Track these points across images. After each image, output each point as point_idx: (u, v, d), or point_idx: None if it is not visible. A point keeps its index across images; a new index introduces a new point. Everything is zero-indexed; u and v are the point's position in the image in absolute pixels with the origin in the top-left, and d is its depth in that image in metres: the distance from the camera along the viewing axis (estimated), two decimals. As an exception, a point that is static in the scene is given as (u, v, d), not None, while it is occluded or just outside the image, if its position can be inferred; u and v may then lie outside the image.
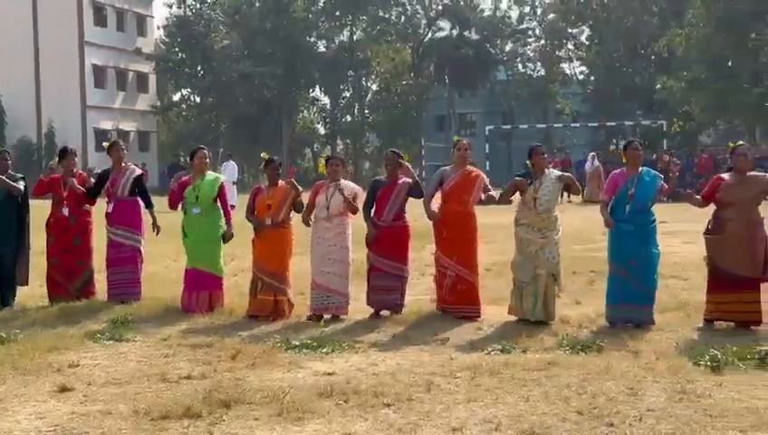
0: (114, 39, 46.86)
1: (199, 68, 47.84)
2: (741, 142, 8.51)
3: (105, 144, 9.78)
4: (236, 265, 10.52)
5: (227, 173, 21.79)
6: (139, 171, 9.32)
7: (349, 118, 53.98)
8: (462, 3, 48.33)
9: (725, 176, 7.67)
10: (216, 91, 46.22)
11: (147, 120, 49.01)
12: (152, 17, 50.95)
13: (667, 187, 7.88)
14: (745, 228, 7.45)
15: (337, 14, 48.92)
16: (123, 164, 9.21)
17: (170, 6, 48.80)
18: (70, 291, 9.00)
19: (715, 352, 6.35)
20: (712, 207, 7.82)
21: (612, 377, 5.91)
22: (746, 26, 33.95)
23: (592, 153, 26.75)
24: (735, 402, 5.31)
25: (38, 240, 9.51)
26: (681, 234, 10.65)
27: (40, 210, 9.48)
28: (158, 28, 50.94)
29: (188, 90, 50.81)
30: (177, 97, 52.02)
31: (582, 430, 4.80)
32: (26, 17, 43.61)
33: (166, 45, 49.15)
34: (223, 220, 8.80)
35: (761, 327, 7.49)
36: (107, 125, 45.10)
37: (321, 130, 55.60)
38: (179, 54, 48.06)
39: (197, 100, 50.09)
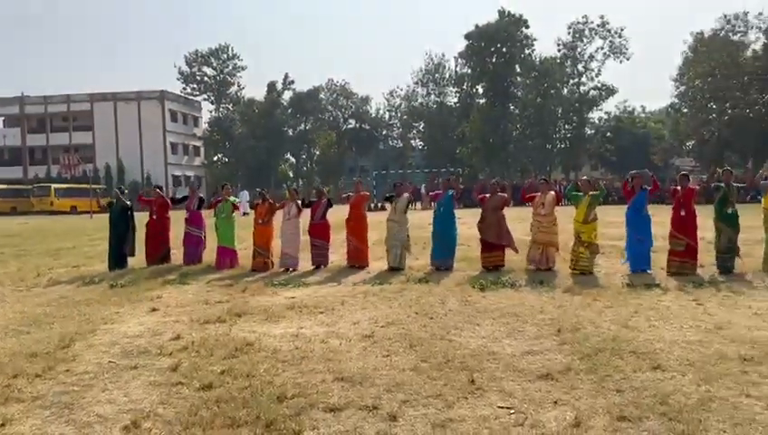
0: (181, 128, 68.88)
1: (226, 144, 68.06)
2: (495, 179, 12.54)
3: (191, 184, 14.46)
4: (245, 244, 12.74)
5: (242, 197, 32.09)
6: (201, 195, 13.07)
7: (304, 169, 73.59)
8: (360, 110, 70.73)
9: (487, 196, 11.14)
10: (234, 155, 66.83)
11: (199, 170, 70.26)
12: (201, 117, 73.83)
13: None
14: (496, 219, 10.90)
15: (297, 115, 69.64)
16: (194, 193, 12.94)
17: (210, 111, 72.43)
18: (157, 259, 12.21)
19: (482, 281, 9.29)
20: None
21: (432, 295, 8.50)
22: (498, 123, 53.64)
23: (424, 184, 42.78)
24: (492, 305, 7.76)
25: (139, 233, 12.50)
26: (467, 223, 13.31)
27: (141, 217, 12.63)
28: (205, 123, 72.71)
29: (221, 154, 71.04)
30: (215, 158, 71.24)
31: (417, 319, 7.09)
32: (135, 118, 64.00)
33: (209, 132, 69.63)
34: (235, 220, 12.23)
35: (504, 268, 10.56)
36: (178, 173, 66.64)
37: (290, 175, 75.07)
38: (216, 136, 68.47)
39: (225, 160, 69.94)
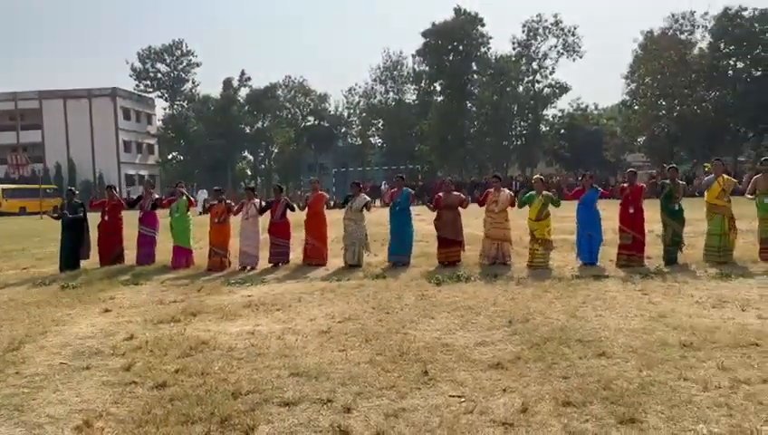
0: (134, 126, 67.69)
1: (181, 142, 66.72)
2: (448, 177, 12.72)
3: (145, 183, 14.07)
4: (202, 244, 12.77)
5: (200, 196, 31.86)
6: (156, 196, 12.82)
7: (263, 167, 72.87)
8: (319, 107, 69.70)
9: (441, 195, 11.30)
10: (190, 153, 66.10)
11: (154, 169, 68.75)
12: (155, 114, 72.25)
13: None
14: (451, 216, 11.05)
15: (255, 112, 68.06)
16: (149, 193, 12.73)
17: (165, 109, 71.55)
18: (110, 260, 12.02)
19: (438, 276, 9.44)
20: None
21: (389, 290, 8.63)
22: (456, 120, 54.20)
23: (384, 181, 42.33)
24: (447, 299, 7.89)
25: (92, 234, 12.31)
26: (426, 220, 13.50)
27: (93, 218, 12.40)
28: (159, 120, 71.55)
29: (176, 153, 70.55)
30: (170, 156, 71.07)
31: (374, 314, 7.15)
32: (86, 116, 62.66)
33: (163, 129, 68.62)
34: (191, 220, 12.12)
35: (460, 263, 10.76)
36: (132, 172, 65.81)
37: (249, 173, 74.62)
38: (170, 134, 67.30)
39: (181, 158, 69.33)
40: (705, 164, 12.99)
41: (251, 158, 74.69)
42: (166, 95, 71.22)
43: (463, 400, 4.42)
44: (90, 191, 49.02)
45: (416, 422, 4.06)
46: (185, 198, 12.30)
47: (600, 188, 11.08)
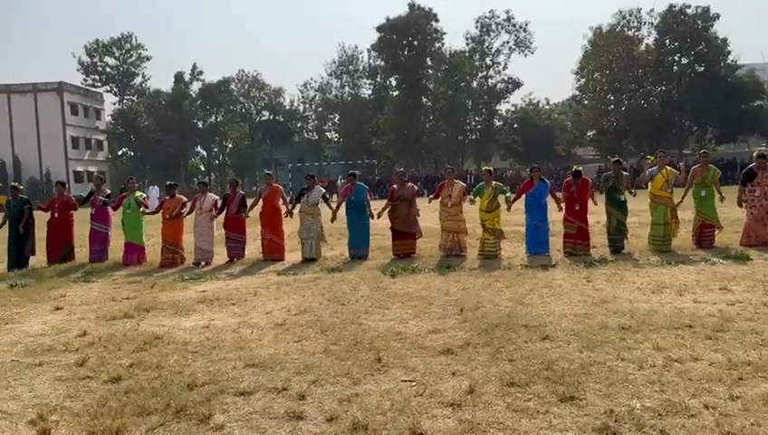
0: (83, 122, 67.42)
1: (132, 137, 66.14)
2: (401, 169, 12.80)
3: (94, 178, 14.03)
4: (154, 240, 12.80)
5: (153, 192, 31.45)
6: (108, 191, 12.54)
7: (216, 162, 73.24)
8: (274, 102, 70.25)
9: (395, 187, 11.51)
10: (141, 149, 66.13)
11: (103, 165, 67.52)
12: (104, 109, 72.00)
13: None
14: (406, 210, 11.27)
15: (208, 107, 68.43)
16: (101, 189, 12.44)
17: (114, 103, 71.25)
18: (58, 258, 11.78)
19: (393, 268, 9.66)
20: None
21: (345, 282, 8.77)
22: (412, 115, 54.78)
23: (341, 177, 41.50)
24: (401, 289, 8.10)
25: (40, 232, 12.12)
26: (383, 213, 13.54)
27: (42, 217, 12.21)
28: (108, 115, 71.16)
29: (126, 148, 69.85)
30: (120, 152, 70.62)
31: (329, 306, 7.23)
32: (31, 111, 62.48)
33: (113, 125, 68.05)
34: (143, 216, 12.01)
35: (415, 255, 11.01)
36: (80, 168, 65.06)
37: (202, 168, 74.17)
38: (120, 129, 66.50)
39: (132, 154, 69.19)
40: (649, 156, 13.53)
41: (204, 153, 73.79)
42: (115, 90, 69.73)
43: (414, 384, 4.59)
44: (36, 189, 47.65)
45: (368, 406, 4.21)
46: (135, 197, 12.17)
47: (548, 181, 11.43)
